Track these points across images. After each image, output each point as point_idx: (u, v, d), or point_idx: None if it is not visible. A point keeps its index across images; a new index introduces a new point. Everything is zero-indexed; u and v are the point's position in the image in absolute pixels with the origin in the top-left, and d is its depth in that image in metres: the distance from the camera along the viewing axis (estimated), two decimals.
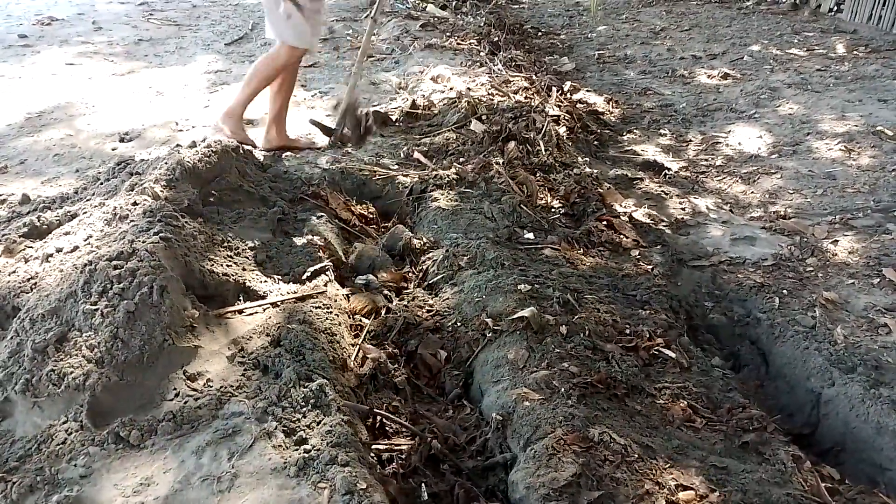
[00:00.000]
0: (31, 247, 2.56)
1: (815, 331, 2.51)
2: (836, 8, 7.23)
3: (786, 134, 4.45)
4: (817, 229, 3.28)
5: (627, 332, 2.38)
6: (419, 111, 4.36)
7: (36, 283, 2.22)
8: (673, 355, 2.29)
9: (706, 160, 4.22)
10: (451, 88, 4.66)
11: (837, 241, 3.14)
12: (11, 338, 1.94)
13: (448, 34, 6.19)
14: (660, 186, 3.81)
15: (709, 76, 5.69)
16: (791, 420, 2.33)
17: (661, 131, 4.67)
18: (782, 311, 2.64)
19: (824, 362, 2.36)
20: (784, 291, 2.76)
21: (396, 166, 3.64)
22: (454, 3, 7.55)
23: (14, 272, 2.33)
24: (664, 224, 3.35)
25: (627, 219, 3.29)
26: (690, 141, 4.52)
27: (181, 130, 4.17)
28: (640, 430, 1.93)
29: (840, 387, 2.27)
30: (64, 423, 1.77)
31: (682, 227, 3.34)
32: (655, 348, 2.31)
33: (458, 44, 5.87)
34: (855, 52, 5.98)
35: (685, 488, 1.71)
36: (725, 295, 2.84)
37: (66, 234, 2.49)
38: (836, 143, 4.23)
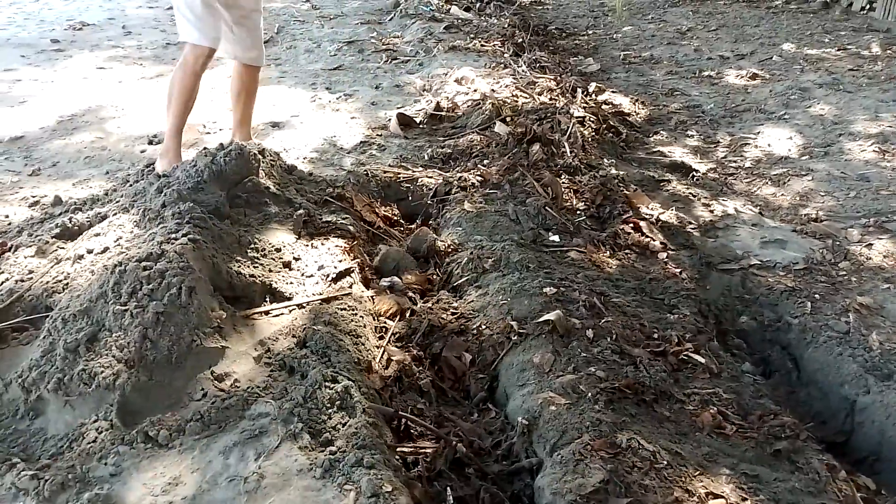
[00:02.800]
0: (63, 248, 2.60)
1: (849, 336, 2.45)
2: (868, 6, 7.08)
3: (817, 135, 4.36)
4: (850, 232, 3.20)
5: (655, 336, 2.35)
6: (443, 113, 4.36)
7: (68, 284, 2.26)
8: (702, 360, 2.25)
9: (735, 162, 4.15)
10: (475, 90, 4.65)
11: (871, 244, 3.07)
12: (44, 337, 1.98)
13: (472, 36, 6.18)
14: (687, 188, 3.76)
15: (737, 76, 5.60)
16: (824, 428, 2.28)
17: (689, 132, 4.61)
18: (814, 316, 2.58)
19: (859, 369, 2.31)
20: (816, 296, 2.70)
21: (421, 168, 3.64)
22: (478, 5, 7.55)
23: (47, 272, 2.37)
24: (692, 226, 3.30)
25: (655, 221, 3.25)
26: (718, 142, 4.45)
27: (208, 133, 4.22)
28: (668, 437, 1.90)
29: (876, 394, 2.21)
30: (94, 421, 1.79)
31: (711, 230, 3.28)
32: (684, 353, 2.28)
33: (483, 45, 5.86)
34: (888, 51, 5.85)
35: (715, 496, 1.68)
36: (756, 299, 2.79)
37: (97, 235, 2.52)
38: (869, 144, 4.14)
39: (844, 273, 2.86)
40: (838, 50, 6.01)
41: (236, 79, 3.60)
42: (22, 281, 2.39)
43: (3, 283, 2.43)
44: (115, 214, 2.67)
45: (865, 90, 4.99)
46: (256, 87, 3.66)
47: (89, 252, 2.36)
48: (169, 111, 3.27)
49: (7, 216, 3.14)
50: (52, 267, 2.41)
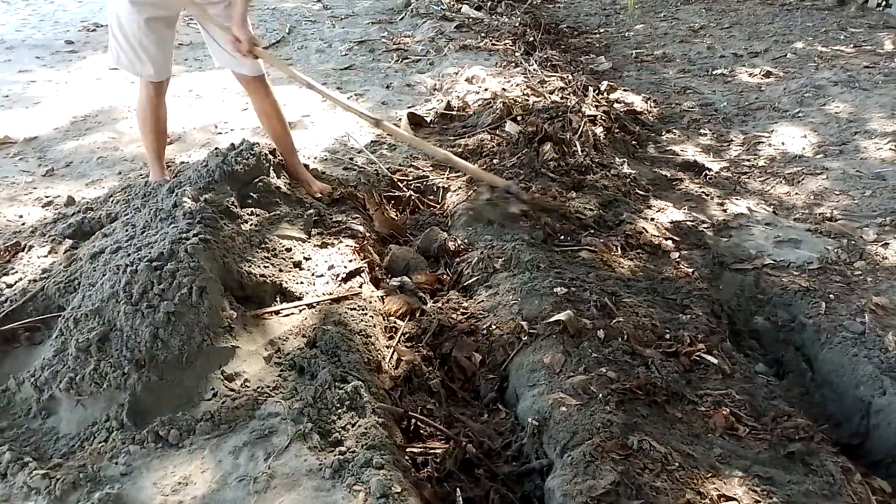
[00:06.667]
0: (76, 248, 2.62)
1: (865, 337, 2.42)
2: (884, 2, 6.99)
3: (832, 133, 4.31)
4: (866, 231, 3.16)
5: (667, 336, 2.33)
6: (454, 112, 4.35)
7: (80, 283, 2.27)
8: (715, 361, 2.23)
9: (748, 161, 4.11)
10: (485, 89, 4.63)
11: (887, 243, 3.03)
12: (57, 337, 1.99)
13: (483, 35, 6.17)
14: (700, 187, 3.73)
15: (750, 74, 5.55)
16: (839, 430, 2.25)
17: (702, 131, 4.57)
18: (829, 317, 2.55)
19: (874, 370, 2.27)
20: (831, 296, 2.66)
21: (431, 168, 3.63)
22: (489, 4, 7.53)
23: (59, 272, 2.39)
24: (705, 226, 3.27)
25: (667, 221, 3.22)
26: (732, 141, 4.41)
27: (220, 133, 4.24)
28: (680, 438, 1.89)
29: (892, 396, 2.18)
30: (106, 421, 1.80)
31: (724, 229, 3.25)
32: (697, 354, 2.26)
33: (493, 44, 5.84)
34: None
35: (728, 499, 1.66)
36: (769, 299, 2.76)
37: (109, 235, 2.54)
38: (885, 142, 4.08)
39: (860, 273, 2.83)
40: (854, 47, 5.93)
41: (251, 100, 3.11)
42: (35, 281, 2.41)
43: (16, 282, 2.46)
44: (127, 215, 2.69)
45: (881, 88, 4.92)
46: (271, 103, 3.03)
47: (101, 252, 2.37)
48: (142, 138, 3.09)
49: (21, 216, 3.17)
50: (64, 267, 2.42)
